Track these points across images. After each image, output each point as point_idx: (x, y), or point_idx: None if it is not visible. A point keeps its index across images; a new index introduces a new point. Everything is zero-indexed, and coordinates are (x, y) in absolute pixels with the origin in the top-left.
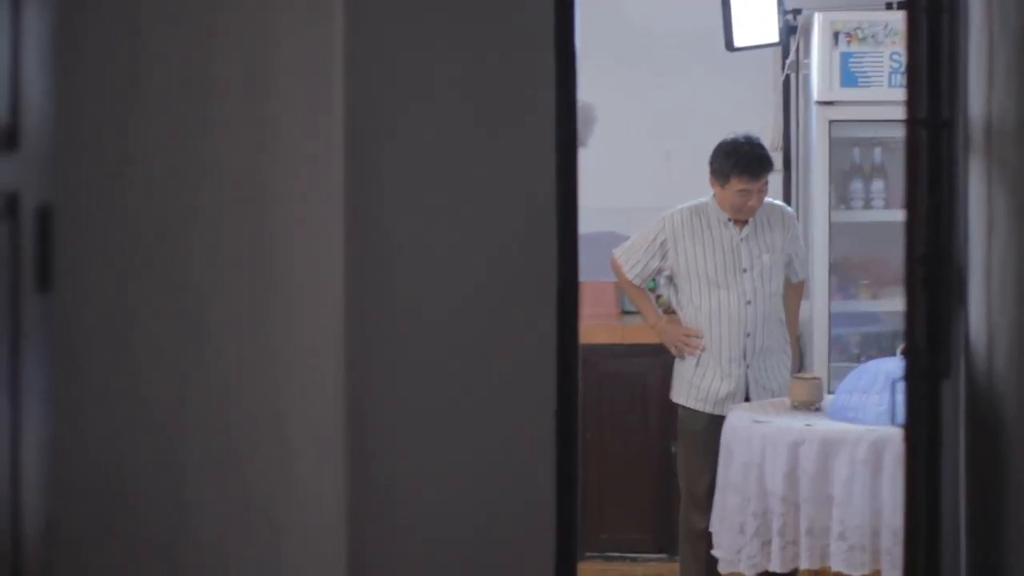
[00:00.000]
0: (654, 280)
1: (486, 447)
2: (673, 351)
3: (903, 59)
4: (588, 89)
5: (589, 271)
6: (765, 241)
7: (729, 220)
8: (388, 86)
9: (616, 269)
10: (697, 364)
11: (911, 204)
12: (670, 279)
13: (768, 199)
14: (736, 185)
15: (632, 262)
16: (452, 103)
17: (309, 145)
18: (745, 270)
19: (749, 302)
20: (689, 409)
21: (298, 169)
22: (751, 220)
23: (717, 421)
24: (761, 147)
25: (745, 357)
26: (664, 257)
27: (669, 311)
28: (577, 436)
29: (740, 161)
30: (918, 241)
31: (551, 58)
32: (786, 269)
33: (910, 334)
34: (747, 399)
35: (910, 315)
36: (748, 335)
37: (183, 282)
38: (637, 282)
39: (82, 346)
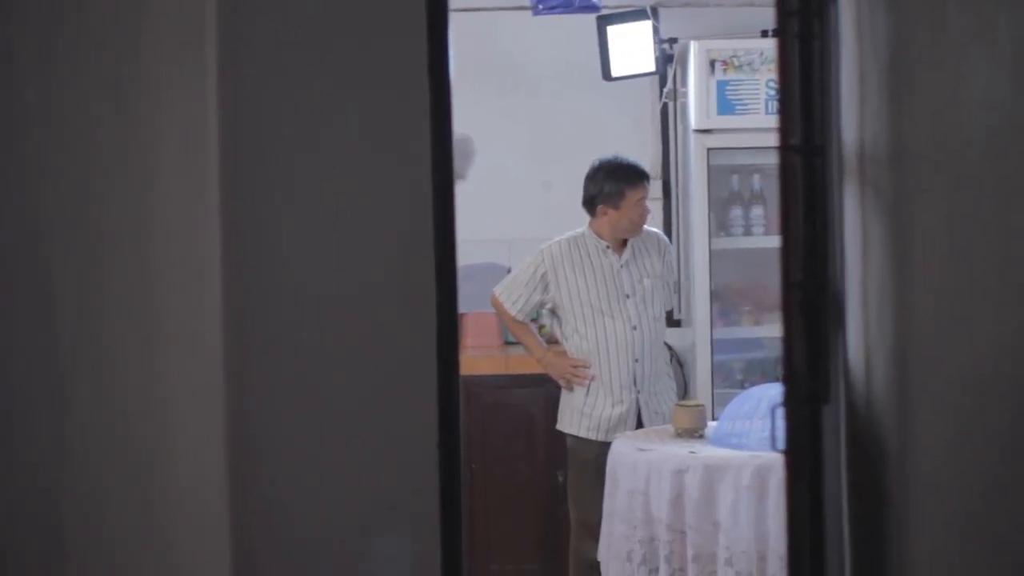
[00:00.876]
0: (537, 312)
1: (368, 480)
2: (562, 383)
3: (778, 88)
4: (466, 121)
5: (471, 303)
6: (644, 266)
7: (608, 247)
8: (262, 122)
9: (497, 306)
10: (587, 393)
11: (786, 230)
12: (552, 311)
13: (645, 226)
14: (633, 197)
15: (513, 298)
16: (327, 137)
17: (187, 187)
18: (628, 296)
19: (635, 327)
20: (579, 438)
21: (176, 208)
22: (630, 246)
23: (607, 449)
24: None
25: (635, 383)
26: (546, 290)
27: (552, 341)
28: (460, 468)
29: (628, 173)
30: (794, 267)
31: (426, 91)
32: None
33: (788, 360)
34: (639, 424)
35: (788, 341)
36: (636, 360)
37: (65, 301)
38: (520, 317)
39: None
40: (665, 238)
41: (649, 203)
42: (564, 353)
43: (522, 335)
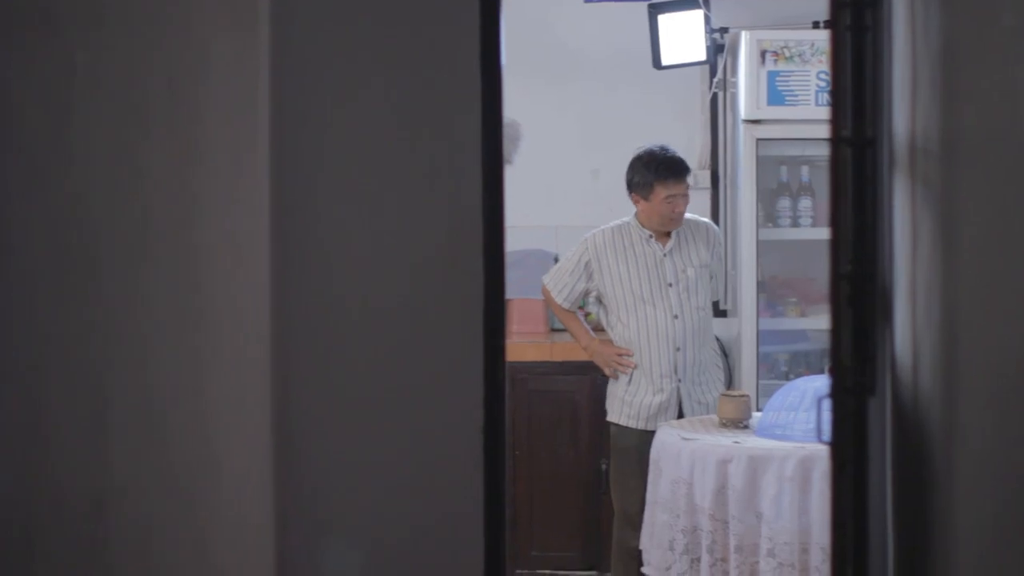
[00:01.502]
0: (584, 300)
1: (413, 465)
2: (607, 371)
3: (829, 79)
4: (515, 107)
5: (518, 289)
6: (689, 255)
7: (651, 236)
8: (313, 102)
9: (546, 295)
10: (629, 381)
11: (836, 222)
12: (599, 299)
13: (695, 216)
14: (662, 192)
15: (560, 286)
16: (377, 120)
17: (235, 164)
18: (671, 285)
19: (676, 316)
20: (621, 426)
21: (224, 186)
22: (675, 235)
23: (649, 437)
24: (675, 152)
25: (676, 371)
26: (590, 278)
27: (598, 329)
28: (504, 453)
29: (661, 167)
30: (843, 259)
31: (477, 75)
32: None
33: (835, 351)
34: (680, 414)
35: (835, 332)
36: (678, 349)
37: (107, 285)
38: (566, 305)
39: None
40: (715, 228)
41: (696, 193)
42: (609, 342)
43: (569, 323)
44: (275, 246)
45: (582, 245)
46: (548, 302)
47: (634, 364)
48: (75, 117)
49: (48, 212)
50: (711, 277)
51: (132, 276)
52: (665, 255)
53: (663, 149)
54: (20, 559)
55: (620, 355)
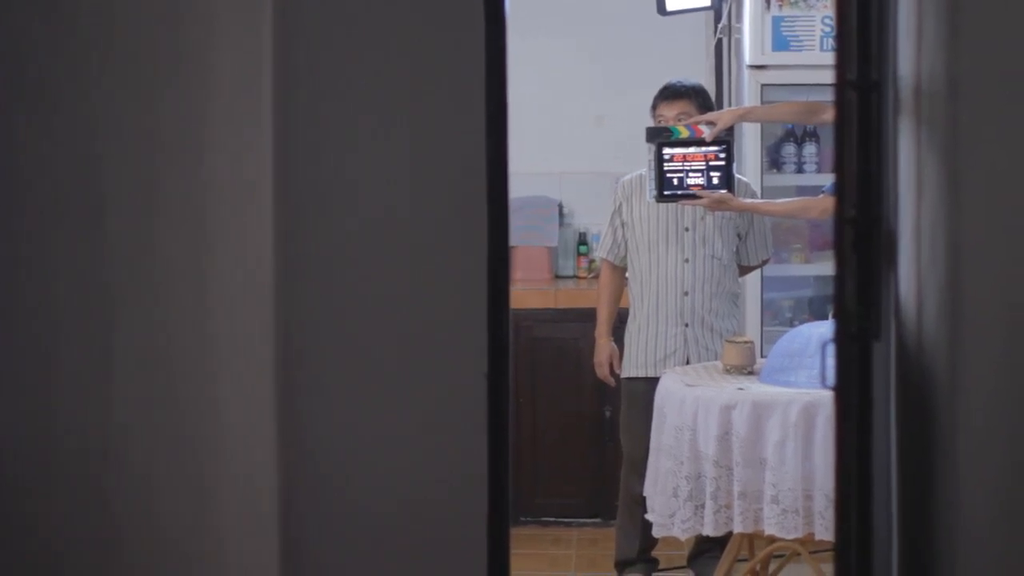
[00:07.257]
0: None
1: (416, 412)
2: (596, 370)
3: (835, 23)
4: (520, 53)
5: (521, 236)
6: None
7: None
8: (315, 45)
9: (602, 266)
10: (637, 328)
11: (840, 166)
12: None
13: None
14: (661, 111)
15: (605, 244)
16: (379, 66)
17: (240, 101)
18: (687, 229)
19: (687, 260)
20: (630, 377)
21: (230, 124)
22: None
23: (655, 384)
24: (692, 82)
25: (683, 316)
26: (623, 223)
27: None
28: (508, 400)
29: (664, 89)
30: (848, 203)
31: (480, 20)
32: (740, 246)
33: (840, 297)
34: (688, 360)
35: (840, 278)
36: (686, 294)
37: (113, 230)
38: (611, 258)
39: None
40: (749, 187)
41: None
42: (616, 352)
43: (601, 302)
44: (279, 191)
45: (614, 191)
46: (600, 279)
47: (613, 383)
48: (84, 70)
49: (57, 153)
50: (741, 239)
51: (139, 223)
52: None
53: (684, 79)
54: (23, 505)
55: (610, 367)
